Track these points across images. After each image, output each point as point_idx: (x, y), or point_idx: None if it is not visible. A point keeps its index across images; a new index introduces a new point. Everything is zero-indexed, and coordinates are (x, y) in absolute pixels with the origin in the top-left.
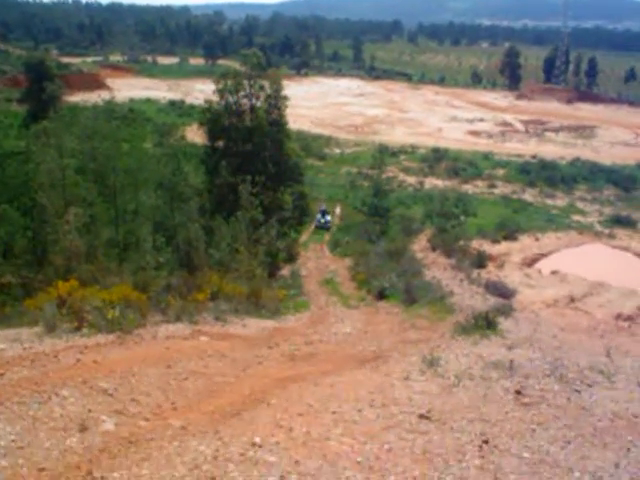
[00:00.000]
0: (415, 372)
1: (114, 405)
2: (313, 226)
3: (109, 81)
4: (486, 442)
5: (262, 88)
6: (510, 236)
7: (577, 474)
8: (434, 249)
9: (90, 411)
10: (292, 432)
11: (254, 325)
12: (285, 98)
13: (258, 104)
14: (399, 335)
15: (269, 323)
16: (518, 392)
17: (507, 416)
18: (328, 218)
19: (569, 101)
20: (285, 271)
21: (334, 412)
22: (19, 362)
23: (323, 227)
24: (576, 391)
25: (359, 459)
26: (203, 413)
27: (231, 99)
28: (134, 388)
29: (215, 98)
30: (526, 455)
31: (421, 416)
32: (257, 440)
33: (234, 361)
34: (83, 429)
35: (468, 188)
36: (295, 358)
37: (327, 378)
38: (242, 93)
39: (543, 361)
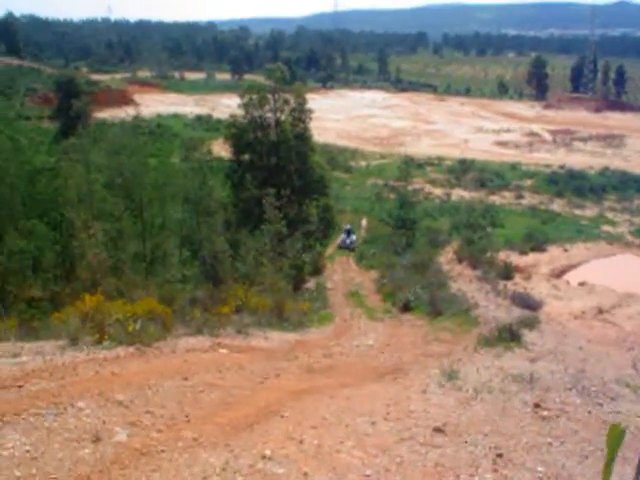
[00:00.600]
0: (433, 385)
1: (128, 417)
2: (341, 243)
3: (137, 97)
4: (500, 456)
5: (286, 102)
6: (538, 247)
7: None
8: (460, 261)
9: (104, 423)
10: (303, 444)
11: (276, 338)
12: (309, 111)
13: (282, 118)
14: (421, 348)
15: (291, 336)
16: (537, 405)
17: (524, 430)
18: (353, 238)
19: (597, 110)
20: (310, 284)
21: (347, 425)
22: (39, 374)
23: (347, 247)
24: (598, 404)
25: (368, 472)
26: (216, 425)
27: (256, 113)
28: (149, 400)
29: (240, 112)
30: (540, 469)
31: (436, 429)
32: (267, 452)
33: (252, 373)
34: (96, 440)
35: (495, 199)
36: (313, 371)
37: (344, 391)
38: (267, 107)
39: (565, 374)
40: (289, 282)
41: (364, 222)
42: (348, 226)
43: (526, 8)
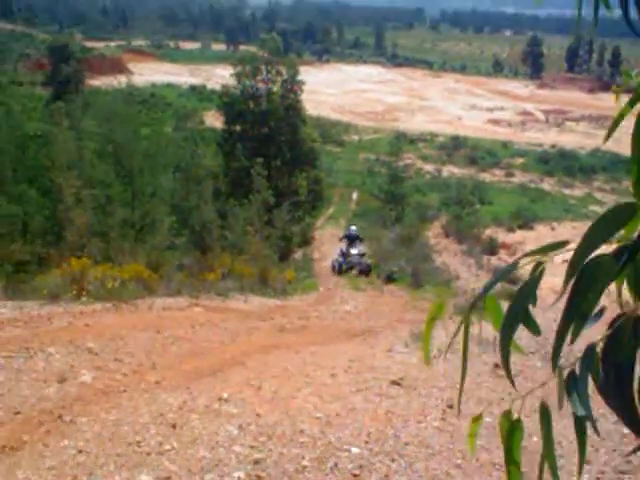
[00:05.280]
0: (399, 345)
1: (96, 362)
2: (336, 264)
3: (131, 65)
4: (451, 407)
5: (279, 73)
6: (526, 225)
7: (534, 438)
8: (447, 236)
9: (72, 366)
10: (260, 390)
11: (256, 302)
12: (301, 83)
13: (274, 89)
14: (397, 315)
15: (272, 301)
16: (497, 365)
17: (479, 386)
18: (362, 249)
19: (591, 91)
20: (298, 255)
21: (307, 375)
22: (13, 323)
23: (351, 267)
24: (558, 367)
25: (319, 415)
26: (179, 371)
27: (248, 83)
28: (119, 349)
29: (233, 82)
30: (488, 420)
31: (393, 382)
32: (224, 395)
33: (224, 330)
34: (62, 380)
35: (486, 176)
36: (285, 330)
37: (311, 347)
38: (259, 77)
39: (531, 340)
40: (276, 252)
41: (355, 196)
42: (352, 228)
43: None
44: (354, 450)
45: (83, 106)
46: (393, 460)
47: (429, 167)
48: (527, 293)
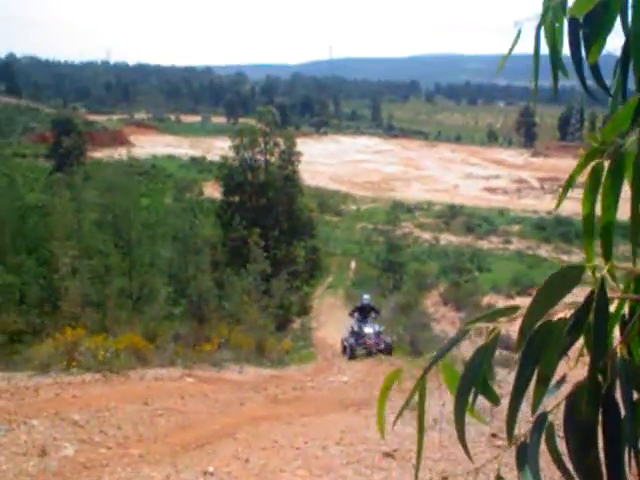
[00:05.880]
0: (394, 415)
1: (80, 434)
2: (347, 346)
3: (133, 138)
4: (446, 478)
5: (276, 144)
6: (524, 291)
7: None
8: (446, 303)
9: (55, 439)
10: (248, 464)
11: (252, 372)
12: (298, 154)
13: (272, 160)
14: (395, 385)
15: (267, 371)
16: (494, 435)
17: (475, 457)
18: (378, 326)
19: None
20: (297, 324)
21: (298, 448)
22: (0, 395)
23: (369, 349)
24: (558, 436)
25: None
26: (166, 444)
27: (246, 155)
28: (105, 421)
29: (231, 154)
30: None
31: (385, 454)
32: (210, 469)
33: (215, 401)
34: (43, 454)
35: (483, 244)
36: (278, 401)
37: (303, 419)
38: (257, 149)
39: (529, 408)
40: (273, 321)
41: (353, 264)
42: (365, 297)
43: (517, 59)
44: None
45: (84, 177)
46: None
47: (427, 235)
48: (480, 361)
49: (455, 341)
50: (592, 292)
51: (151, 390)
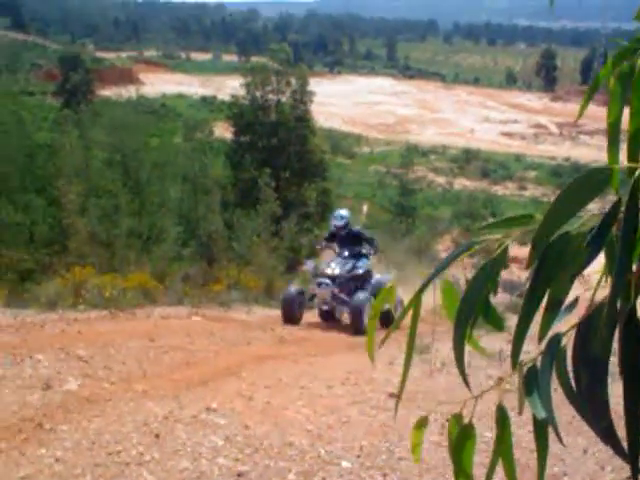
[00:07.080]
0: (402, 358)
1: (85, 369)
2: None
3: (142, 76)
4: (449, 420)
5: (288, 83)
6: None
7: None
8: None
9: (59, 373)
10: (252, 401)
11: (259, 313)
12: (311, 93)
13: (284, 99)
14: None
15: (275, 312)
16: (501, 379)
17: (479, 400)
18: (361, 264)
19: (605, 104)
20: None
21: (302, 387)
22: (5, 328)
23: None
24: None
25: (310, 427)
26: (170, 380)
27: (257, 93)
28: (110, 357)
29: (242, 93)
30: (487, 434)
31: (391, 395)
32: (213, 405)
33: (222, 340)
34: (47, 387)
35: (498, 190)
36: (285, 341)
37: (309, 358)
38: (268, 88)
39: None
40: (283, 263)
41: (365, 208)
42: (341, 214)
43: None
44: (344, 464)
45: (92, 116)
46: (385, 475)
47: (441, 180)
48: (484, 279)
49: (457, 254)
50: (619, 199)
51: (157, 328)
